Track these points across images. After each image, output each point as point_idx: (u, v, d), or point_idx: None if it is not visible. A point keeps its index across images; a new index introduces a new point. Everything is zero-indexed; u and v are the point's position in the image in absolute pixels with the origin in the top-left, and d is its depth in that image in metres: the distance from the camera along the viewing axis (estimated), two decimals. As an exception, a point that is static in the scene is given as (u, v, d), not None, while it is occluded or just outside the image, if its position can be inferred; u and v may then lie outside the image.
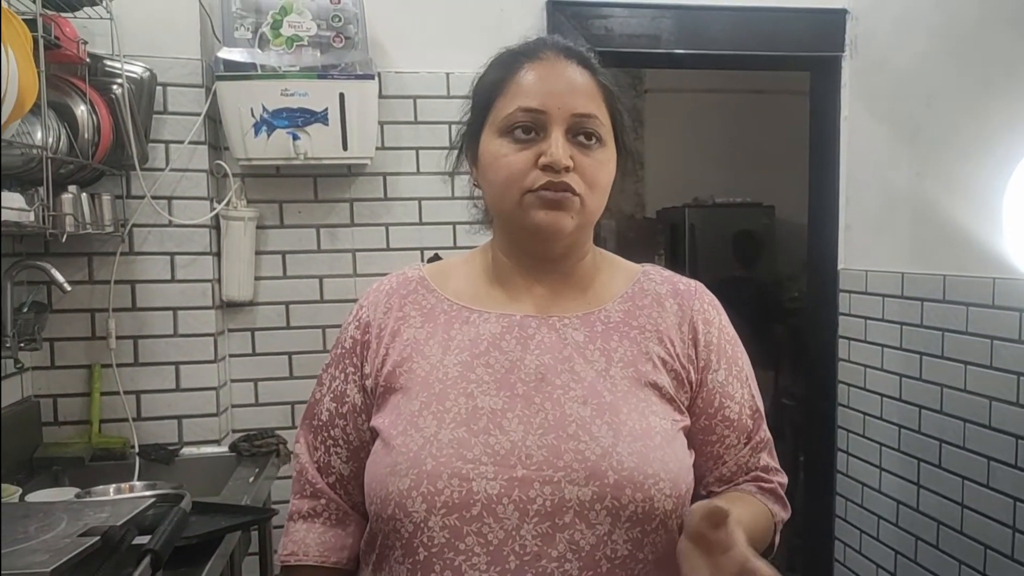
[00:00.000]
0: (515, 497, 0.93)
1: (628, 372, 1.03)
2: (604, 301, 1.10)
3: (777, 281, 4.45)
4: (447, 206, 2.59)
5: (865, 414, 2.74)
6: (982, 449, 2.21)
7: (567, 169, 0.99)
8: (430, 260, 1.23)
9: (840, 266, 2.88)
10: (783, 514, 1.14)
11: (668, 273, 1.16)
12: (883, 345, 2.63)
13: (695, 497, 1.04)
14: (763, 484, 1.13)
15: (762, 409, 1.15)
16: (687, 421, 1.06)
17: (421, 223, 2.59)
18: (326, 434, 1.11)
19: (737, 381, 1.11)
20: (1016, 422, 2.09)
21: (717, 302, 1.15)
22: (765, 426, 1.15)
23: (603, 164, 1.03)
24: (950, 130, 2.34)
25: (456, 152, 1.14)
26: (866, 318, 2.72)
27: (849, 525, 2.85)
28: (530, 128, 1.00)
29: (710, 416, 1.09)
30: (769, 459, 1.15)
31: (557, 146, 0.99)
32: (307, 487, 1.12)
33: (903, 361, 2.54)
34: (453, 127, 2.51)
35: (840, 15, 2.80)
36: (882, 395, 2.65)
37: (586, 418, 0.98)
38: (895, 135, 2.60)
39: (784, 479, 1.16)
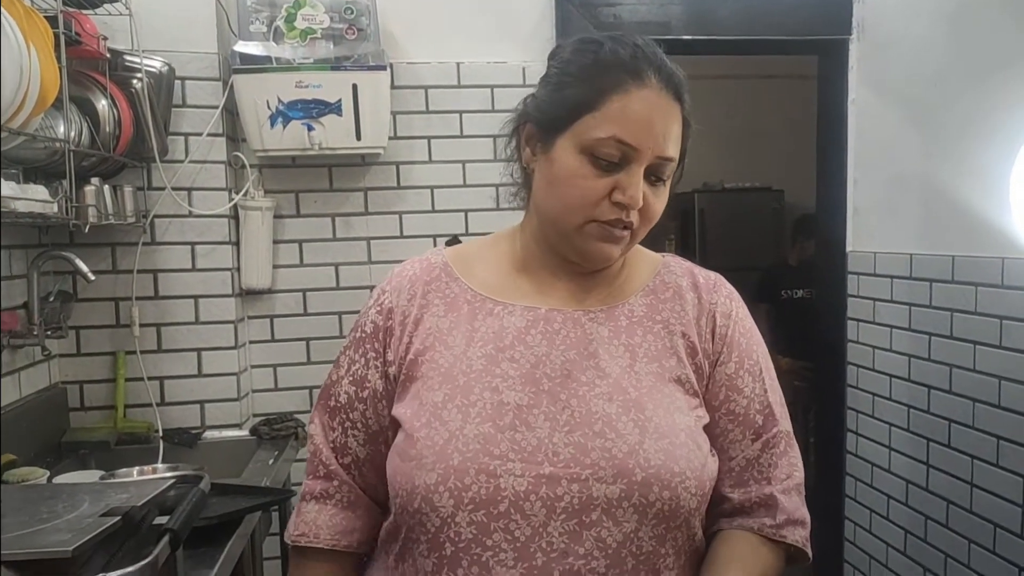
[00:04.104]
0: (543, 494, 0.93)
1: (652, 368, 1.03)
2: (628, 294, 1.10)
3: (787, 264, 4.47)
4: (459, 194, 2.63)
5: (874, 395, 2.76)
6: (991, 428, 2.23)
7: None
8: (449, 242, 1.23)
9: (848, 248, 2.90)
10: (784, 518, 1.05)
11: (688, 264, 1.16)
12: (892, 326, 2.65)
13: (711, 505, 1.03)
14: (768, 524, 1.04)
15: (777, 406, 1.09)
16: (708, 417, 1.06)
17: (434, 211, 2.64)
18: (344, 416, 1.10)
19: (749, 375, 1.07)
20: (1025, 400, 2.11)
21: (736, 294, 1.14)
22: (783, 424, 1.08)
23: (663, 201, 1.03)
24: (957, 111, 2.36)
25: (513, 128, 1.10)
26: (875, 299, 2.74)
27: (859, 505, 2.88)
28: (615, 159, 0.98)
29: (714, 409, 1.06)
30: (787, 498, 1.05)
31: (638, 189, 0.98)
32: (320, 468, 1.11)
33: (912, 342, 2.56)
34: (464, 116, 2.61)
35: (847, -2, 2.81)
36: (891, 376, 2.67)
37: (612, 415, 0.98)
38: (903, 117, 2.61)
39: (805, 525, 1.06)
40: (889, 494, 2.70)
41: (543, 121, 1.03)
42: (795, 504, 1.06)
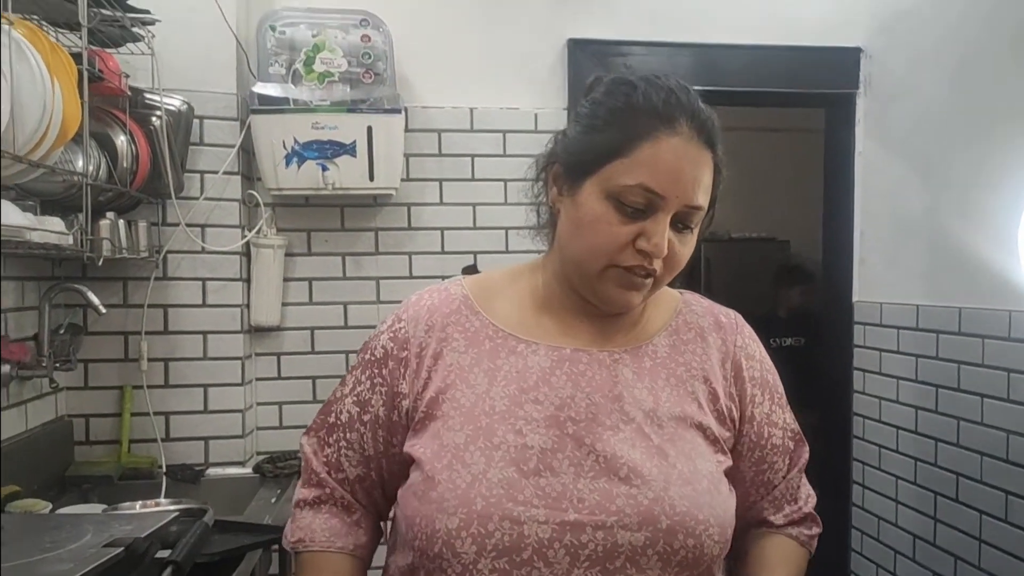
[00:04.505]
0: (567, 542, 0.92)
1: (675, 412, 1.03)
2: (651, 333, 1.09)
3: (795, 315, 4.47)
4: (469, 235, 2.66)
5: (881, 447, 2.75)
6: (1000, 483, 2.21)
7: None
8: (466, 270, 1.23)
9: (855, 299, 2.91)
10: (817, 530, 1.19)
11: (708, 303, 1.17)
12: (898, 377, 2.65)
13: (746, 527, 1.11)
14: (804, 532, 1.16)
15: (798, 429, 1.17)
16: (730, 462, 1.06)
17: (443, 252, 2.66)
18: (341, 435, 1.10)
19: (779, 408, 1.14)
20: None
21: (754, 333, 1.16)
22: (805, 446, 1.18)
23: (690, 248, 1.02)
24: (963, 164, 2.38)
25: (541, 168, 1.10)
26: (881, 350, 2.74)
27: (865, 559, 2.84)
28: (641, 206, 0.97)
29: (761, 448, 1.11)
30: (807, 497, 1.19)
31: (663, 237, 0.97)
32: (312, 476, 1.11)
33: (919, 393, 2.55)
34: (476, 159, 2.64)
35: (855, 53, 2.85)
36: (898, 428, 2.66)
37: (637, 461, 0.97)
38: (909, 170, 2.64)
39: (814, 499, 1.20)
40: (896, 549, 2.67)
41: (571, 164, 1.03)
42: (819, 522, 1.18)
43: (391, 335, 1.08)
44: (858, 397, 2.87)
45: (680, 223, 0.99)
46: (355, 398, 1.09)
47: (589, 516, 0.93)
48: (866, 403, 2.83)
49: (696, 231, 1.03)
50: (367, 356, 1.10)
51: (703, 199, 0.99)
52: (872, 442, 2.80)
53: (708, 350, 1.10)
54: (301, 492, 1.13)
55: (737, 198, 5.15)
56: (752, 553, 1.13)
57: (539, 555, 0.92)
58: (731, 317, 1.16)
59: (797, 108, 3.21)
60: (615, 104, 1.00)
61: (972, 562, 2.31)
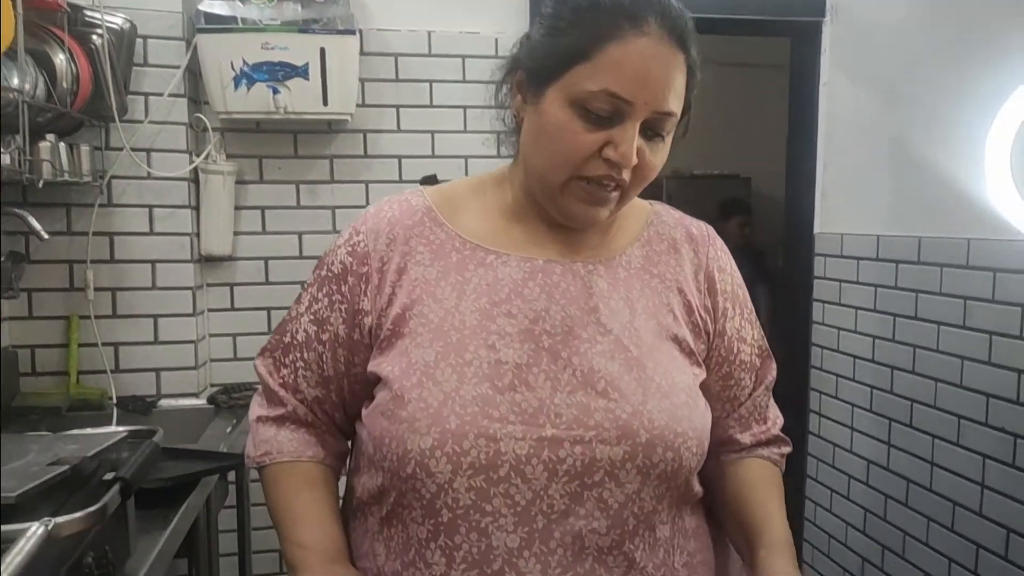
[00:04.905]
0: (544, 457, 0.90)
1: (651, 324, 1.00)
2: (623, 245, 1.06)
3: (758, 251, 4.51)
4: (428, 164, 2.59)
5: (838, 376, 2.77)
6: (953, 408, 2.25)
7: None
8: (425, 180, 1.17)
9: (816, 230, 2.90)
10: (787, 449, 1.18)
11: (678, 214, 1.13)
12: (857, 307, 2.66)
13: (714, 450, 1.08)
14: (775, 451, 1.15)
15: (766, 345, 1.14)
16: (704, 375, 1.05)
17: (401, 181, 2.59)
18: (297, 354, 1.05)
19: (748, 324, 1.11)
20: (987, 380, 2.12)
21: (725, 247, 1.14)
22: (773, 363, 1.15)
23: (661, 158, 0.97)
24: (929, 91, 2.36)
25: (505, 74, 1.03)
26: (841, 281, 2.74)
27: (820, 485, 2.89)
28: (607, 113, 0.91)
29: (730, 363, 1.09)
30: (775, 418, 1.17)
31: (631, 146, 0.91)
32: (272, 396, 1.07)
33: (877, 323, 2.57)
34: (435, 85, 2.56)
35: (821, -20, 2.80)
36: (855, 357, 2.68)
37: (615, 374, 0.94)
38: (874, 99, 2.62)
39: (781, 420, 1.18)
40: (850, 474, 2.72)
41: (533, 70, 0.96)
42: (788, 441, 1.17)
43: (349, 249, 1.03)
44: (817, 328, 2.89)
45: (650, 130, 0.94)
46: (312, 316, 1.04)
47: (567, 431, 0.91)
48: (824, 334, 2.85)
49: (668, 139, 0.97)
50: (324, 272, 1.05)
51: (675, 105, 0.93)
52: (830, 372, 2.82)
53: (681, 262, 1.07)
54: (260, 409, 1.09)
55: (701, 135, 5.09)
56: (730, 480, 1.11)
57: (516, 471, 0.90)
58: (703, 229, 1.13)
59: (762, 37, 3.15)
60: (579, 3, 0.93)
61: (924, 484, 2.36)
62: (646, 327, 1.00)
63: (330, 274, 1.04)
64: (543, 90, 0.94)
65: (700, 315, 1.05)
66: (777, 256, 3.87)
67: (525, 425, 0.91)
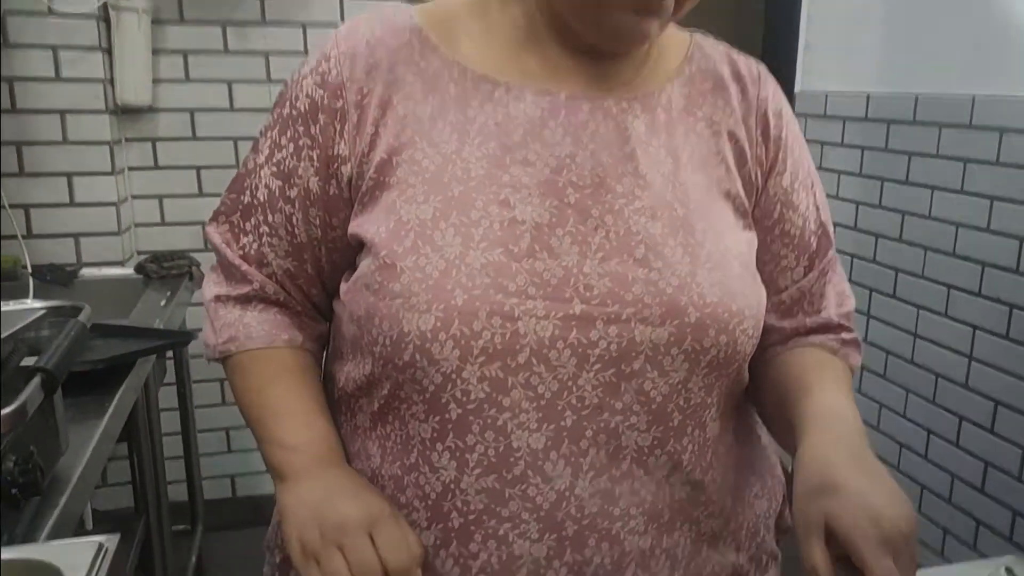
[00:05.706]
0: (572, 340, 0.75)
1: (699, 178, 0.82)
2: (662, 80, 0.85)
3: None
4: (374, 3, 2.31)
5: (816, 245, 2.64)
6: (943, 278, 2.14)
7: None
8: None
9: (797, 88, 2.70)
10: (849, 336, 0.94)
11: (724, 47, 0.91)
12: (840, 172, 2.51)
13: None
14: (831, 337, 0.91)
15: (830, 226, 0.93)
16: (756, 242, 0.87)
17: (344, 22, 2.32)
18: (261, 218, 0.85)
19: (803, 189, 0.89)
20: (984, 248, 2.01)
21: (779, 89, 0.92)
22: (834, 248, 0.93)
23: None
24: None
25: None
26: (823, 143, 2.57)
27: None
28: None
29: (767, 229, 0.88)
30: (846, 320, 0.92)
31: None
32: (233, 271, 0.88)
33: (862, 188, 2.42)
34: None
35: None
36: (836, 224, 2.53)
37: (657, 237, 0.78)
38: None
39: (846, 306, 0.94)
40: (825, 347, 2.63)
41: None
42: (853, 328, 0.93)
43: (318, 79, 0.81)
44: (796, 194, 2.73)
45: None
46: (275, 168, 0.83)
47: (599, 307, 0.75)
48: (804, 200, 2.69)
49: None
50: (286, 110, 0.83)
51: None
52: (807, 240, 2.69)
53: (730, 101, 0.86)
54: (218, 287, 0.89)
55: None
56: (773, 372, 0.91)
57: (539, 358, 0.75)
58: (752, 65, 0.90)
59: None
60: None
61: (905, 357, 2.28)
62: (693, 181, 0.82)
63: (294, 112, 0.82)
64: None
65: (752, 167, 0.86)
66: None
67: (548, 300, 0.75)
